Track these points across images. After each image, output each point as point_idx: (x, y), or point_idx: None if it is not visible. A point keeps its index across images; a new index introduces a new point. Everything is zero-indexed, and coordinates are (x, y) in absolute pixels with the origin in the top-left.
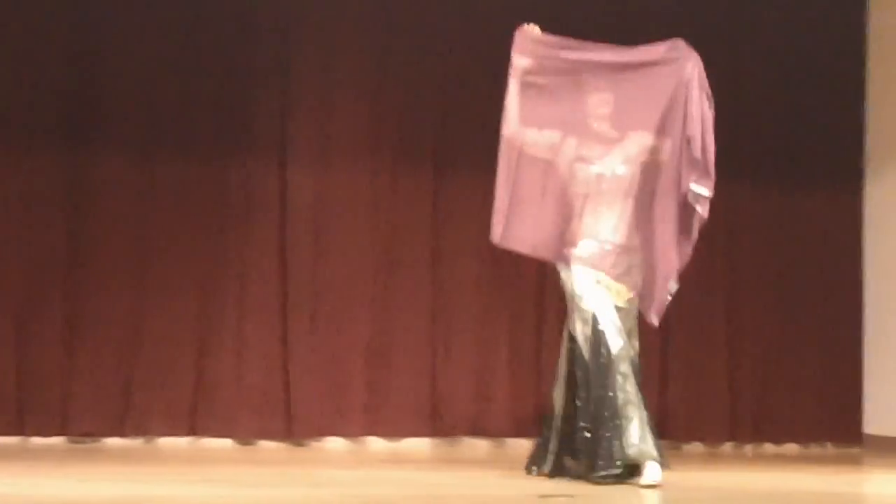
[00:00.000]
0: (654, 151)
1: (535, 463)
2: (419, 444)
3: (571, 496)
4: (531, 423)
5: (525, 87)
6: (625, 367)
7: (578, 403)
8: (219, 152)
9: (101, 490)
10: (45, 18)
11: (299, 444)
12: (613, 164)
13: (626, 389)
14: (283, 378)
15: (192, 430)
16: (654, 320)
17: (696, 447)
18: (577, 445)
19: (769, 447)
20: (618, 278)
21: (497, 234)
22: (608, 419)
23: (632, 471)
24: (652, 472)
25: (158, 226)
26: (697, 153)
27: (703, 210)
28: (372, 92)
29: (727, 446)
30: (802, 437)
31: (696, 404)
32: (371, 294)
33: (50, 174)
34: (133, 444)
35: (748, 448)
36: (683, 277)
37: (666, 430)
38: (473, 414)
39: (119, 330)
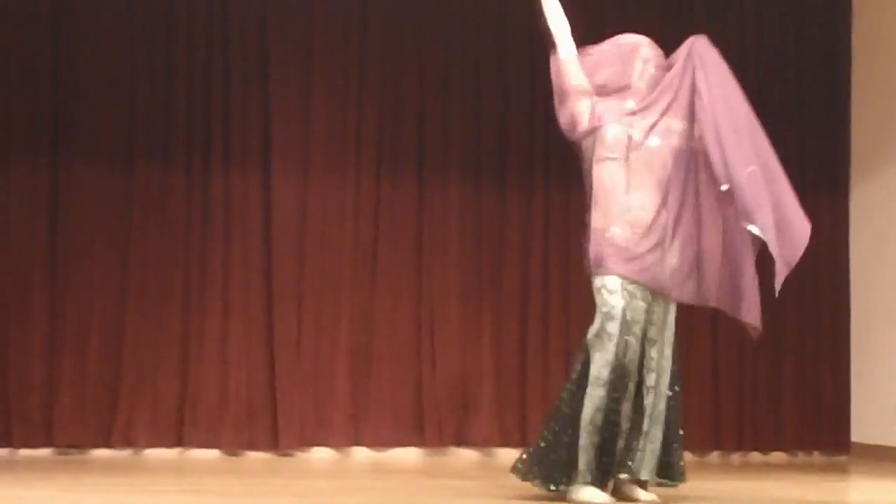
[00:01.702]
0: (686, 136)
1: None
2: (405, 454)
3: None
4: (517, 432)
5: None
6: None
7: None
8: (201, 160)
9: (87, 501)
10: (22, 26)
11: (285, 455)
12: (641, 129)
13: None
14: (268, 388)
15: (179, 441)
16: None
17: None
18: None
19: (756, 456)
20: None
21: None
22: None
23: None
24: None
25: (141, 236)
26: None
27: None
28: (353, 98)
29: (714, 455)
30: (789, 446)
31: (682, 414)
32: (355, 303)
33: (30, 184)
34: (120, 456)
35: (735, 457)
36: None
37: None
38: (459, 424)
39: (103, 341)
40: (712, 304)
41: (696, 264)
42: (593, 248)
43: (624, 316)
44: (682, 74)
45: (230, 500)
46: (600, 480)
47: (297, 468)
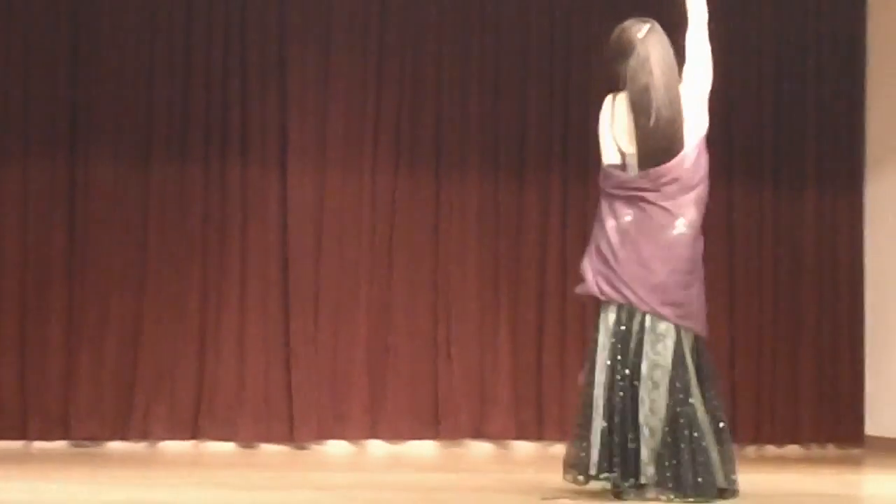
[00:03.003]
0: None
1: None
2: (421, 448)
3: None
4: (534, 425)
5: None
6: None
7: None
8: (218, 155)
9: (103, 494)
10: (41, 22)
11: (301, 448)
12: None
13: None
14: (284, 381)
15: (195, 434)
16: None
17: None
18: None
19: (771, 449)
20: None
21: None
22: None
23: None
24: None
25: (158, 229)
26: None
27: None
28: (371, 92)
29: None
30: (804, 439)
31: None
32: (372, 297)
33: (48, 178)
34: (136, 448)
35: (750, 450)
36: None
37: None
38: (476, 416)
39: (120, 334)
40: None
41: None
42: None
43: None
44: None
45: (248, 492)
46: None
47: (313, 461)
